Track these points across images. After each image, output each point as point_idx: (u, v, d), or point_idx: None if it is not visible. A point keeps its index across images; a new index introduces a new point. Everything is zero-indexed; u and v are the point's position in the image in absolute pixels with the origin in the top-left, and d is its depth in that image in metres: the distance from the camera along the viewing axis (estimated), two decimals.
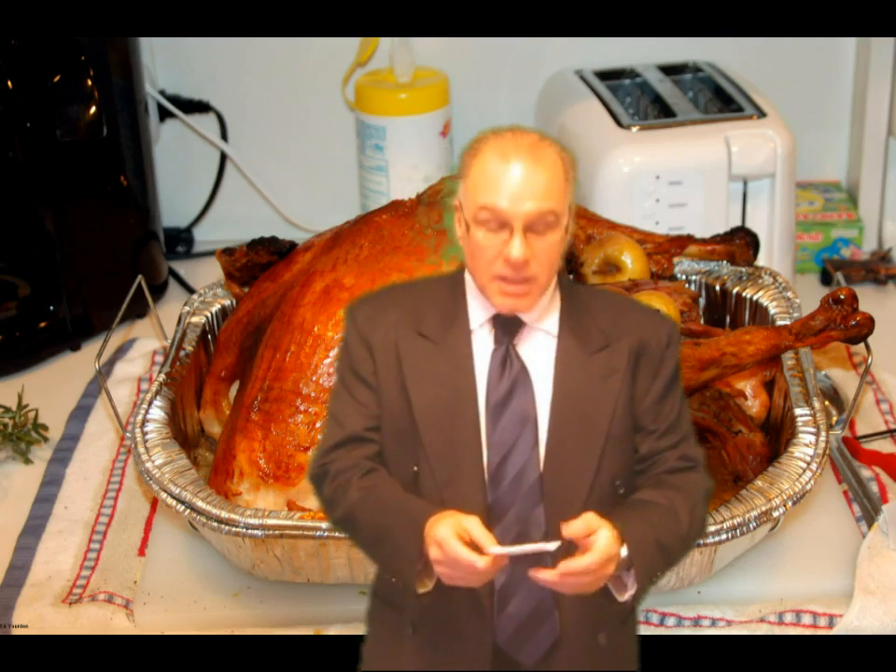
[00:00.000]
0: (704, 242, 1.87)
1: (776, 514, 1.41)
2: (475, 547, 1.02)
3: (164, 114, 2.39)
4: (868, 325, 1.56)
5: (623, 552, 1.04)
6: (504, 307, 1.08)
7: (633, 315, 1.13)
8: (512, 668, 1.08)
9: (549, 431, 1.07)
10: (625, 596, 1.07)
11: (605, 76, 2.28)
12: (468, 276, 1.11)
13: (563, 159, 1.06)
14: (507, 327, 1.09)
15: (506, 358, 1.08)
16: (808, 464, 1.47)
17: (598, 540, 1.02)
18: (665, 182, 2.01)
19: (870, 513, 1.62)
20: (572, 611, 1.07)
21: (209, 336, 1.81)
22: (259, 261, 1.75)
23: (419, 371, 1.09)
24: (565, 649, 1.07)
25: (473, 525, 1.02)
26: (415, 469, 1.08)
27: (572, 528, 1.03)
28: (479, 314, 1.10)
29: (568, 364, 1.09)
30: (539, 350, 1.09)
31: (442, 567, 1.02)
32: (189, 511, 1.44)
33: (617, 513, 1.07)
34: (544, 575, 1.02)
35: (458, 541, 1.01)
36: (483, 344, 1.09)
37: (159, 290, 2.29)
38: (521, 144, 1.05)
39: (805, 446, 1.49)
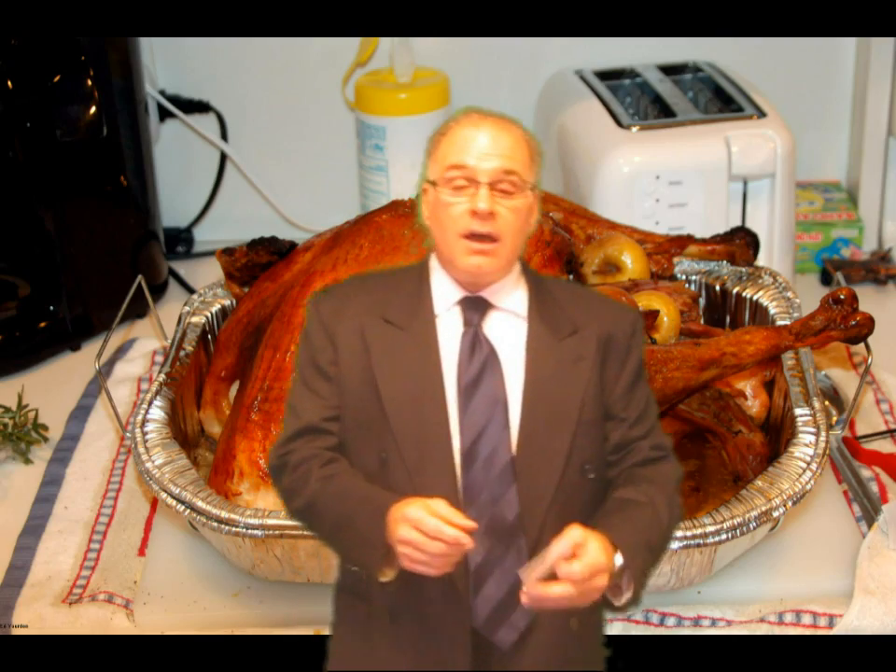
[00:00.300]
0: (704, 242, 1.87)
1: (776, 514, 1.41)
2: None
3: (164, 114, 2.39)
4: (868, 325, 1.56)
5: (619, 560, 1.05)
6: (470, 267, 1.09)
7: (598, 305, 1.16)
8: (490, 652, 1.08)
9: (522, 414, 1.09)
10: (622, 601, 1.08)
11: (605, 76, 2.28)
12: (434, 262, 1.13)
13: (528, 140, 1.12)
14: (475, 308, 1.11)
15: (475, 340, 1.10)
16: (808, 464, 1.47)
17: (588, 554, 1.03)
18: (665, 182, 2.01)
19: (870, 513, 1.62)
20: None
21: (209, 336, 1.81)
22: (259, 261, 1.75)
23: (386, 357, 1.10)
24: (539, 632, 1.08)
25: (441, 505, 1.03)
26: (384, 456, 1.09)
27: (559, 548, 1.03)
28: (447, 296, 1.12)
29: (540, 348, 1.11)
30: (508, 333, 1.11)
31: (411, 547, 1.03)
32: (189, 510, 1.44)
33: (603, 519, 1.08)
34: (536, 592, 1.02)
35: (432, 517, 1.02)
36: (452, 328, 1.11)
37: (159, 290, 2.29)
38: (489, 115, 1.12)
39: (805, 446, 1.49)
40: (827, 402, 1.77)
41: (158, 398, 1.60)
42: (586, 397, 1.10)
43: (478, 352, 1.09)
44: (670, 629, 1.47)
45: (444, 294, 1.12)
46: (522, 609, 1.07)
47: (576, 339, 1.12)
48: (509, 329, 1.11)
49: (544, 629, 1.08)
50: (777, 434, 1.63)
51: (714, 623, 1.47)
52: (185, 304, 1.83)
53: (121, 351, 2.11)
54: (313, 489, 1.08)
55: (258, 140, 2.45)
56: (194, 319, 1.80)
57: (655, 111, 2.17)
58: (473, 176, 1.09)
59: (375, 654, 1.10)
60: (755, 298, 1.81)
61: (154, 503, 1.72)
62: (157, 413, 1.58)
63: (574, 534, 1.03)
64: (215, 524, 1.42)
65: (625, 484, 1.11)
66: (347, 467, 1.10)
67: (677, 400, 1.55)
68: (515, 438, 1.08)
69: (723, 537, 1.39)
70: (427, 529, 1.02)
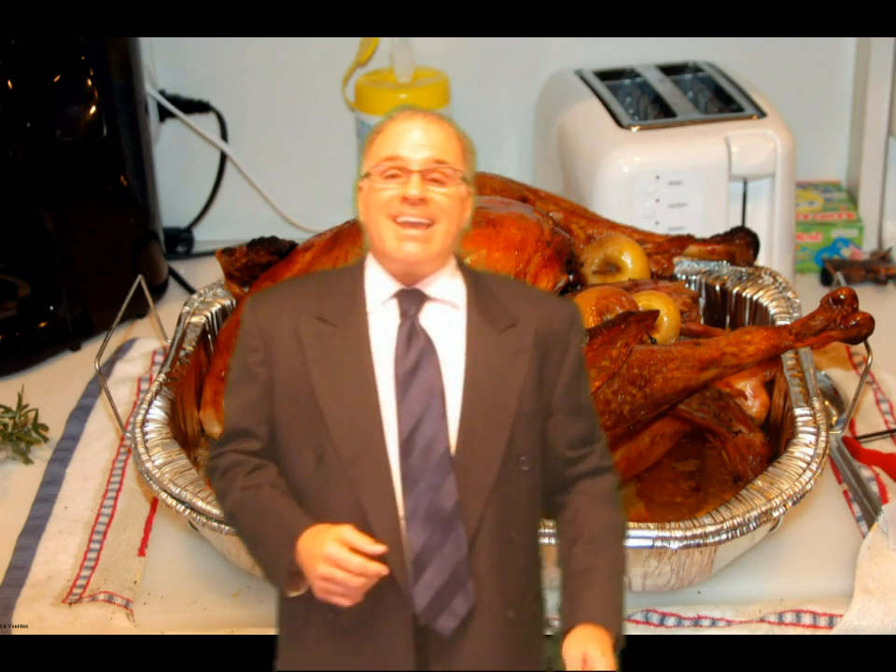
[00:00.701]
0: (704, 242, 1.87)
1: (776, 514, 1.41)
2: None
3: (164, 114, 2.39)
4: (868, 325, 1.56)
5: (618, 642, 1.09)
6: (403, 255, 1.10)
7: (536, 299, 1.17)
8: (432, 639, 1.09)
9: (462, 404, 1.10)
10: None
11: (605, 76, 2.28)
12: (370, 259, 1.14)
13: (460, 137, 1.15)
14: (411, 300, 1.12)
15: (412, 332, 1.11)
16: (808, 464, 1.47)
17: (597, 664, 1.06)
18: (665, 182, 2.01)
19: (870, 513, 1.62)
20: (484, 581, 1.09)
21: (209, 336, 1.81)
22: (259, 261, 1.75)
23: (320, 355, 1.11)
24: (478, 619, 1.09)
25: (350, 533, 1.06)
26: (320, 452, 1.10)
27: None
28: (383, 290, 1.13)
29: (479, 339, 1.12)
30: (446, 324, 1.12)
31: (331, 583, 1.05)
32: (188, 510, 1.44)
33: (577, 602, 1.10)
34: None
35: (353, 555, 1.05)
36: (388, 321, 1.12)
37: (159, 290, 2.29)
38: (423, 112, 1.14)
39: (805, 446, 1.49)
40: (827, 402, 1.77)
41: (158, 398, 1.60)
42: (524, 389, 1.11)
43: (414, 343, 1.11)
44: (670, 629, 1.47)
45: (380, 288, 1.13)
46: (462, 596, 1.08)
47: (514, 331, 1.13)
48: (446, 320, 1.12)
49: (483, 616, 1.09)
50: (777, 434, 1.63)
51: (714, 623, 1.47)
52: (185, 304, 1.83)
53: (121, 351, 2.11)
54: (235, 498, 1.11)
55: (258, 140, 2.45)
56: (194, 319, 1.80)
57: (655, 111, 2.17)
58: (405, 166, 1.10)
59: (318, 649, 1.11)
60: (755, 298, 1.81)
61: (154, 503, 1.72)
62: (157, 412, 1.58)
63: (573, 655, 1.07)
64: (215, 524, 1.42)
65: (581, 541, 1.13)
66: (271, 477, 1.12)
67: (677, 400, 1.55)
68: (455, 428, 1.10)
69: (723, 537, 1.39)
70: (352, 568, 1.05)
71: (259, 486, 1.11)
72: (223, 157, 2.45)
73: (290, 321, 1.13)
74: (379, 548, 1.06)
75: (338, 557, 1.05)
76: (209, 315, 1.82)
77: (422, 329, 1.11)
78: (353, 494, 1.08)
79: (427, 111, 1.15)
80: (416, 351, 1.10)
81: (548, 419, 1.14)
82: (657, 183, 2.01)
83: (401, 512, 1.08)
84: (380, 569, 1.05)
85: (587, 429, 1.16)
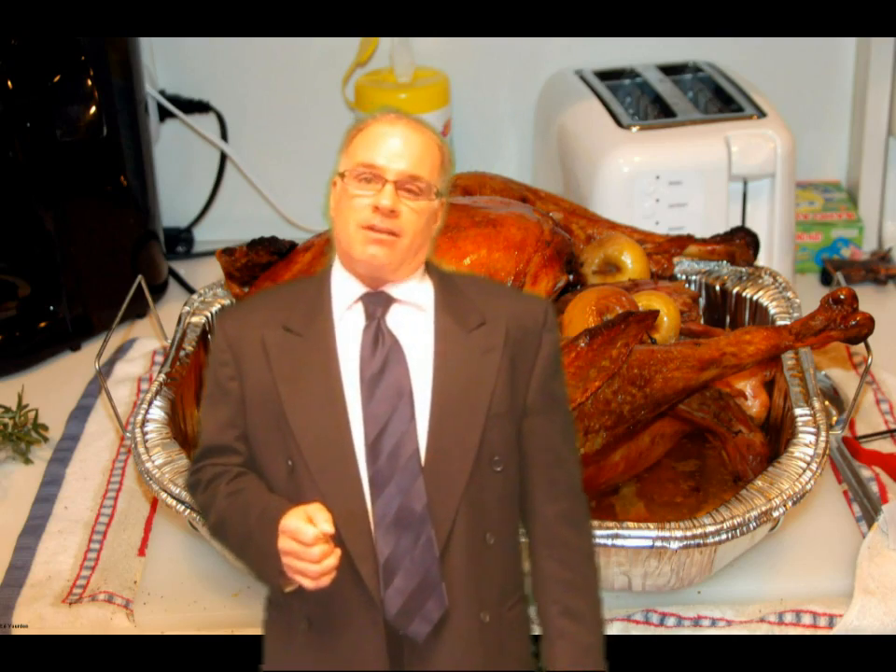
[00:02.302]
0: (704, 242, 1.87)
1: (776, 514, 1.41)
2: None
3: (164, 114, 2.39)
4: (868, 325, 1.56)
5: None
6: (367, 257, 1.09)
7: (506, 297, 1.16)
8: (405, 646, 1.08)
9: (431, 406, 1.09)
10: None
11: (605, 76, 2.28)
12: (336, 265, 1.14)
13: (440, 147, 1.14)
14: (377, 302, 1.11)
15: (377, 334, 1.10)
16: (808, 464, 1.47)
17: None
18: (665, 182, 2.01)
19: (870, 513, 1.62)
20: (458, 585, 1.08)
21: (209, 336, 1.81)
22: (259, 261, 1.75)
23: (286, 365, 1.11)
24: (452, 624, 1.08)
25: (314, 509, 1.04)
26: (290, 464, 1.09)
27: None
28: (348, 294, 1.12)
29: (447, 340, 1.11)
30: (413, 326, 1.11)
31: (291, 557, 1.04)
32: (188, 511, 1.44)
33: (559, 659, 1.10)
34: None
35: (309, 525, 1.03)
36: (354, 325, 1.11)
37: (159, 290, 2.29)
38: (406, 118, 1.13)
39: (805, 446, 1.49)
40: (827, 402, 1.77)
41: (158, 398, 1.60)
42: (496, 388, 1.10)
43: (381, 345, 1.10)
44: (670, 629, 1.47)
45: (345, 292, 1.12)
46: (434, 601, 1.07)
47: (484, 330, 1.12)
48: (413, 322, 1.12)
49: (456, 621, 1.08)
50: (777, 434, 1.63)
51: (714, 623, 1.47)
52: (185, 304, 1.83)
53: (121, 351, 2.11)
54: (220, 506, 1.10)
55: (258, 140, 2.45)
56: (194, 319, 1.80)
57: (655, 111, 2.17)
58: (381, 174, 1.10)
59: (297, 661, 1.11)
60: (755, 298, 1.81)
61: (154, 503, 1.72)
62: (157, 412, 1.58)
63: None
64: None
65: (566, 587, 1.12)
66: (254, 480, 1.11)
67: (677, 400, 1.55)
68: (426, 430, 1.09)
69: (723, 537, 1.39)
70: (304, 538, 1.03)
71: (244, 489, 1.10)
72: (223, 157, 2.45)
73: (257, 333, 1.12)
74: (328, 528, 1.03)
75: (293, 528, 1.03)
76: (209, 315, 1.82)
77: (388, 330, 1.10)
78: (324, 502, 1.06)
79: (410, 117, 1.13)
80: (382, 353, 1.09)
81: (523, 419, 1.12)
82: (657, 183, 2.01)
83: (371, 518, 1.07)
84: (336, 553, 1.04)
85: (561, 433, 1.14)
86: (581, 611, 1.11)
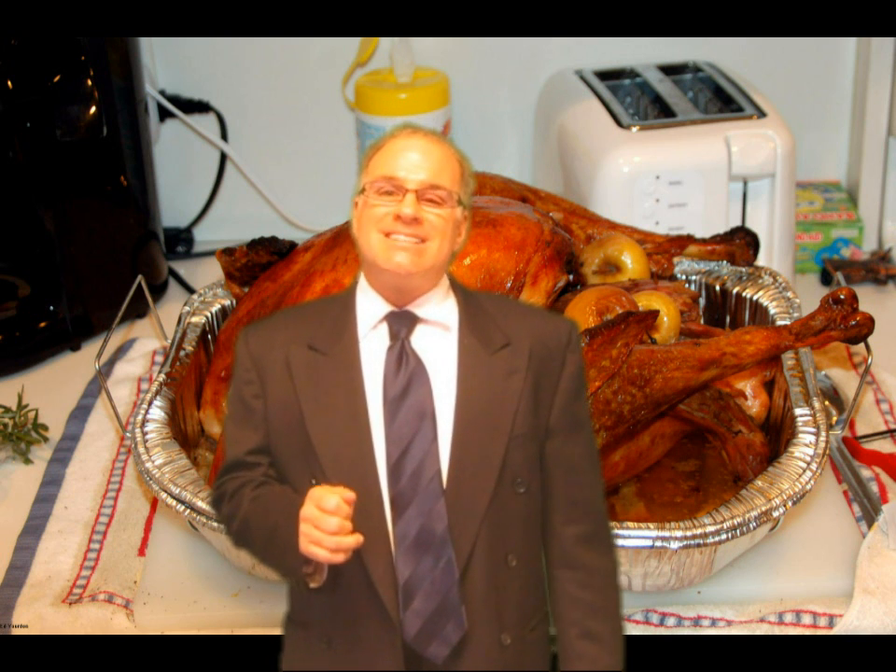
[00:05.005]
0: (704, 242, 1.87)
1: (776, 514, 1.41)
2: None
3: (164, 114, 2.39)
4: (868, 325, 1.56)
5: None
6: (394, 265, 1.08)
7: (531, 318, 1.15)
8: (424, 668, 1.08)
9: (454, 427, 1.08)
10: None
11: (605, 76, 2.28)
12: (361, 283, 1.13)
13: (460, 160, 1.13)
14: (402, 322, 1.11)
15: (402, 354, 1.10)
16: (808, 464, 1.47)
17: None
18: (665, 182, 2.01)
19: (870, 513, 1.62)
20: (479, 607, 1.08)
21: (209, 336, 1.81)
22: (259, 261, 1.75)
23: (310, 384, 1.10)
24: (471, 647, 1.08)
25: (342, 488, 1.04)
26: (314, 483, 1.08)
27: None
28: (373, 314, 1.11)
29: (471, 361, 1.10)
30: (437, 346, 1.11)
31: (309, 524, 1.03)
32: (188, 510, 1.44)
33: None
34: None
35: (328, 491, 1.04)
36: (378, 344, 1.11)
37: (159, 290, 2.29)
38: (423, 132, 1.13)
39: (805, 446, 1.49)
40: (827, 402, 1.77)
41: (158, 398, 1.60)
42: (519, 410, 1.10)
43: (404, 365, 1.09)
44: (670, 629, 1.47)
45: (370, 312, 1.11)
46: (453, 623, 1.07)
47: (508, 352, 1.11)
48: (438, 342, 1.11)
49: (476, 644, 1.08)
50: (777, 434, 1.63)
51: (714, 623, 1.47)
52: (185, 304, 1.83)
53: (121, 351, 2.11)
54: (245, 510, 1.09)
55: (258, 140, 2.45)
56: (194, 319, 1.80)
57: (655, 111, 2.18)
58: (402, 185, 1.09)
59: None
60: (755, 298, 1.81)
61: (154, 503, 1.72)
62: (157, 412, 1.58)
63: None
64: (215, 524, 1.42)
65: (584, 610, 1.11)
66: (279, 486, 1.10)
67: (677, 400, 1.56)
68: (448, 451, 1.08)
69: (723, 537, 1.39)
70: (327, 505, 1.03)
71: (268, 492, 1.09)
72: (223, 157, 2.45)
73: (281, 352, 1.12)
74: (350, 494, 1.04)
75: (317, 496, 1.03)
76: (209, 314, 1.82)
77: (412, 351, 1.10)
78: None
79: (427, 130, 1.13)
80: (406, 374, 1.09)
81: (546, 440, 1.12)
82: (657, 183, 2.01)
83: (392, 539, 1.07)
84: (357, 538, 1.04)
85: (583, 453, 1.13)
86: (600, 634, 1.10)
